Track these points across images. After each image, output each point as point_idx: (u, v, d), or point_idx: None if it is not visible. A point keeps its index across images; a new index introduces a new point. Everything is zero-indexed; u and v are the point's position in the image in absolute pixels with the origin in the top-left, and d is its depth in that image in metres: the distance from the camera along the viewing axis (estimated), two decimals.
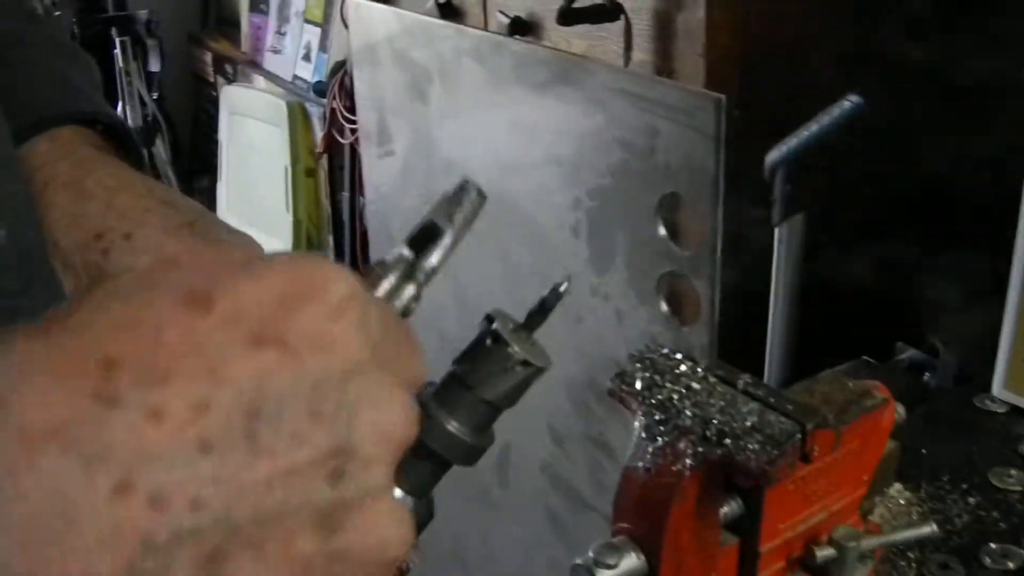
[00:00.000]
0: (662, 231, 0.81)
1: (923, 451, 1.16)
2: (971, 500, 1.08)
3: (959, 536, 1.03)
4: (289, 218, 3.91)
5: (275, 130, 3.92)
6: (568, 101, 0.87)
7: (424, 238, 0.55)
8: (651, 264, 0.83)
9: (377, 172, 1.25)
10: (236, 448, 0.38)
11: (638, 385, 0.84)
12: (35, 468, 0.35)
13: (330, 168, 3.68)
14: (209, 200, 4.58)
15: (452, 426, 0.56)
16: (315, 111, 3.74)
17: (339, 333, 0.42)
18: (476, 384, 0.57)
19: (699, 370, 0.84)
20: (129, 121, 4.50)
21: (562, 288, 0.59)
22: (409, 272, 0.55)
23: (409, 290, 0.55)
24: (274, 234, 4.00)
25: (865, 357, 1.56)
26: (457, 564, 1.34)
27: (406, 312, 0.54)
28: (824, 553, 0.89)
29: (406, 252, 0.55)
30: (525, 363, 0.57)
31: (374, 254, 1.40)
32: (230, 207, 4.35)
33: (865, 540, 0.90)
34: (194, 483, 0.37)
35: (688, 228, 0.80)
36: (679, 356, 0.85)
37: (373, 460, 0.42)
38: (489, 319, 0.57)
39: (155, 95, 4.65)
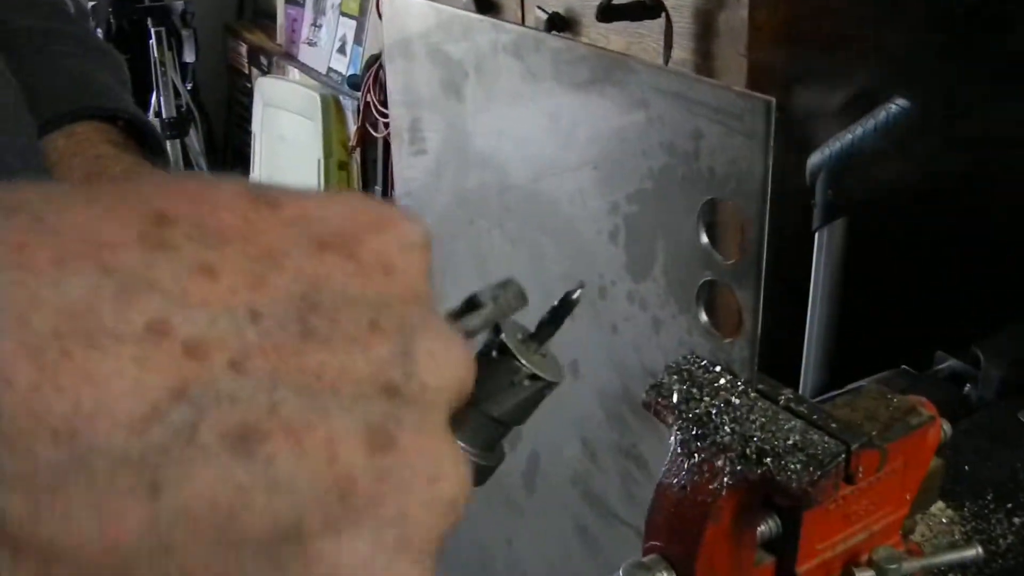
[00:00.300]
0: (704, 239, 0.78)
1: (966, 468, 1.12)
2: (1016, 520, 1.04)
3: (1003, 558, 0.99)
4: None
5: (308, 123, 3.91)
6: (608, 100, 0.84)
7: (465, 309, 0.53)
8: (691, 272, 0.80)
9: (409, 169, 1.22)
10: (288, 329, 0.35)
11: (675, 398, 0.81)
12: (61, 282, 0.31)
13: (363, 161, 3.67)
14: None
15: (468, 451, 0.54)
16: (349, 104, 3.73)
17: (408, 265, 0.39)
18: (481, 399, 0.54)
19: (739, 384, 0.81)
20: (163, 111, 4.51)
21: (575, 295, 0.56)
22: None
23: None
24: None
25: (904, 366, 1.52)
26: (482, 573, 1.31)
27: None
28: (863, 575, 0.86)
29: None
30: (534, 377, 0.54)
31: None
32: None
33: (907, 563, 0.86)
34: (237, 344, 0.33)
35: (731, 236, 0.77)
36: (718, 369, 0.82)
37: (430, 388, 0.38)
38: (496, 329, 0.54)
39: (189, 86, 4.65)
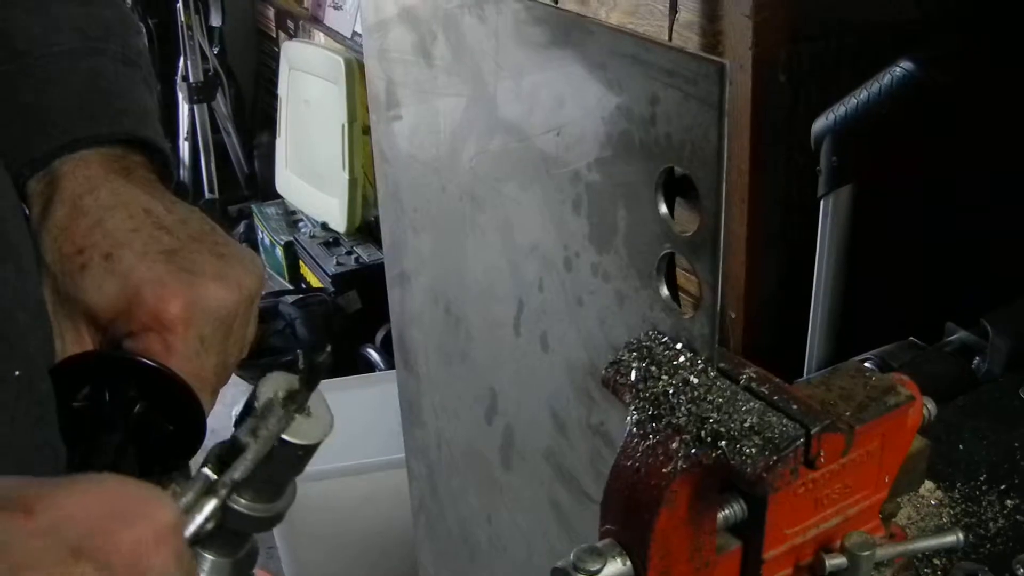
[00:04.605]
0: (663, 209, 0.74)
1: (960, 447, 1.08)
2: (1009, 503, 0.99)
3: (992, 542, 0.95)
4: (345, 176, 3.87)
5: (333, 87, 3.87)
6: (568, 64, 0.80)
7: (228, 454, 0.57)
8: (651, 244, 0.76)
9: (386, 137, 1.18)
10: None
11: (632, 376, 0.77)
12: None
13: None
14: (268, 156, 4.55)
15: (256, 509, 0.59)
16: None
17: (159, 563, 0.44)
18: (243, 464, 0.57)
19: (699, 362, 0.76)
20: (190, 75, 4.50)
21: (321, 358, 0.60)
22: (210, 487, 0.56)
23: (210, 504, 0.56)
24: (330, 192, 3.97)
25: (912, 339, 1.48)
26: (465, 547, 1.29)
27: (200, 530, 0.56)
28: (834, 562, 0.82)
29: (207, 471, 0.57)
30: (285, 442, 0.57)
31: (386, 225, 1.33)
32: (289, 164, 4.32)
33: (881, 549, 0.82)
34: None
35: (689, 207, 0.73)
36: (679, 346, 0.78)
37: None
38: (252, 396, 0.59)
39: (216, 49, 4.63)
